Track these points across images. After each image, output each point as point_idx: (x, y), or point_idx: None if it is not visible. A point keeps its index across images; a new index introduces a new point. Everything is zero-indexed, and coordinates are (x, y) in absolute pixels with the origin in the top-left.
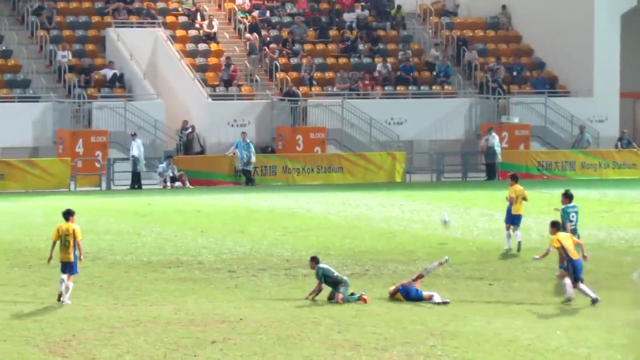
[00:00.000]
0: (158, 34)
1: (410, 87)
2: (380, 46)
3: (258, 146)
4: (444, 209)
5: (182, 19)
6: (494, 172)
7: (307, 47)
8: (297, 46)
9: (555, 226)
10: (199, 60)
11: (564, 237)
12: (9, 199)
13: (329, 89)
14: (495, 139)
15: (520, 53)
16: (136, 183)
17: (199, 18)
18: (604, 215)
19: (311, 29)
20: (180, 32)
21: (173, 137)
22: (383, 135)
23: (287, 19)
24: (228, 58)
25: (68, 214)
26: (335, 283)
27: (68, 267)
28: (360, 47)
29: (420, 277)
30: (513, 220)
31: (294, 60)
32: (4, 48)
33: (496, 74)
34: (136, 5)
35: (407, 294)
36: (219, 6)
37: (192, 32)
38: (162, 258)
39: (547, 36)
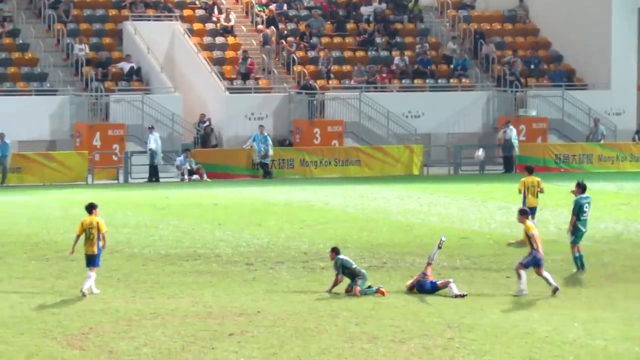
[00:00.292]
0: (175, 27)
1: (427, 80)
2: (398, 39)
3: (275, 139)
4: (461, 202)
5: (200, 12)
6: (512, 165)
7: (325, 40)
8: (314, 39)
9: (524, 214)
10: (216, 54)
11: (534, 226)
12: (26, 192)
13: (347, 82)
14: (512, 132)
15: (537, 46)
16: (153, 176)
17: (216, 11)
18: (621, 208)
19: (328, 22)
20: (197, 26)
21: (190, 130)
22: (400, 129)
23: (304, 12)
24: (245, 51)
25: (91, 208)
26: (352, 275)
27: (92, 260)
28: (378, 40)
29: (428, 264)
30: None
31: (311, 54)
32: (21, 42)
33: (513, 67)
34: None
35: (421, 287)
36: None
37: (210, 26)
38: (179, 251)
39: (565, 29)
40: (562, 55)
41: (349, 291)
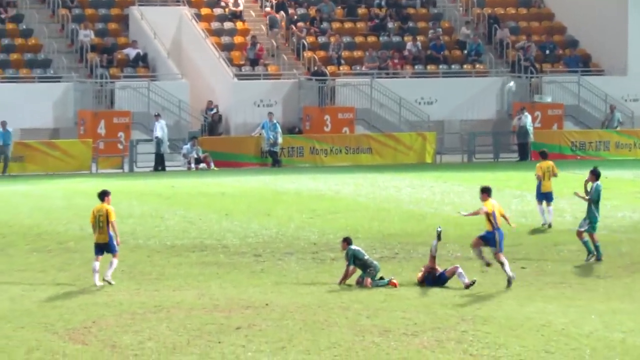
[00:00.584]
0: (182, 12)
1: (440, 66)
2: (410, 24)
3: (285, 127)
4: (475, 190)
5: None
6: (527, 152)
7: (335, 25)
8: (324, 24)
9: (486, 192)
10: (225, 39)
11: (496, 205)
12: (28, 182)
13: (358, 68)
14: (527, 119)
15: (552, 31)
16: (159, 165)
17: None
18: (638, 196)
19: (339, 7)
20: (205, 10)
21: (197, 117)
22: (413, 116)
23: None
24: (254, 37)
25: (103, 195)
26: (364, 266)
27: (105, 248)
28: (390, 25)
29: (432, 257)
30: (545, 197)
31: (321, 39)
32: (24, 27)
33: (528, 52)
34: None
35: (432, 281)
36: None
37: (218, 11)
38: (185, 242)
39: (580, 13)
40: (578, 40)
41: (360, 283)
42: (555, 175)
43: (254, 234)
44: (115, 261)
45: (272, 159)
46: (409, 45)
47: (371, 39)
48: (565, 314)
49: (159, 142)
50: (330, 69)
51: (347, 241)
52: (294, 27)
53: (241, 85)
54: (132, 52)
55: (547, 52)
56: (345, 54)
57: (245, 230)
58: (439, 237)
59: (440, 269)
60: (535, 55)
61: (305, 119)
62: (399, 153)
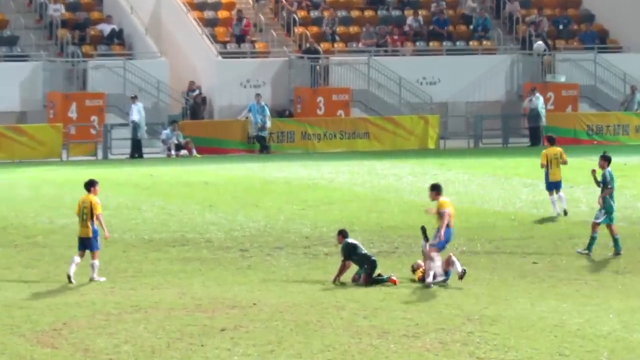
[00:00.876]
0: None
1: (444, 43)
2: None
3: (274, 109)
4: (482, 179)
5: None
6: (538, 137)
7: None
8: None
9: (436, 189)
10: (208, 14)
11: (450, 203)
12: None
13: (354, 45)
14: (539, 100)
15: (566, 4)
16: (136, 152)
17: None
18: None
19: None
20: None
21: (178, 99)
22: (414, 97)
23: None
24: (240, 11)
25: (90, 185)
26: (361, 262)
27: (87, 244)
28: None
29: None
30: (555, 186)
31: (314, 14)
32: None
33: (540, 27)
34: None
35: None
36: None
37: None
38: (165, 236)
39: None
40: (594, 15)
41: (357, 280)
42: (564, 162)
43: (240, 227)
44: (95, 262)
45: (259, 145)
46: (409, 20)
47: (368, 13)
48: (580, 313)
49: (135, 126)
50: (323, 46)
51: (342, 234)
52: (283, 1)
53: (226, 64)
54: (106, 28)
55: (561, 27)
56: (340, 29)
57: (231, 223)
58: (425, 236)
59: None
60: (547, 31)
61: (296, 101)
62: (398, 138)
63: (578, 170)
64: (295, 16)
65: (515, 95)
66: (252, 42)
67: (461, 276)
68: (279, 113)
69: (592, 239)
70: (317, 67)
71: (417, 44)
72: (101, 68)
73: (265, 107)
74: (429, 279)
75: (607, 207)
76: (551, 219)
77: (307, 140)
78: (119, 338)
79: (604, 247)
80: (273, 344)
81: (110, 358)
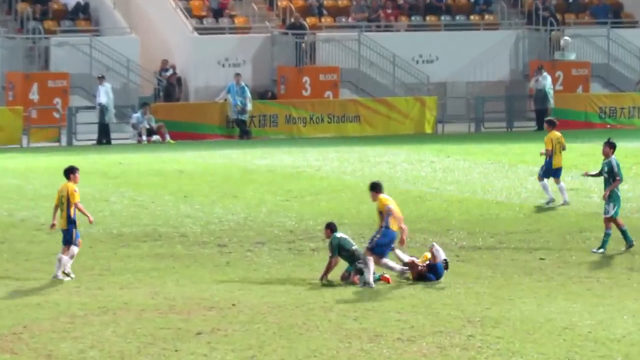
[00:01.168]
0: None
1: (442, 18)
2: None
3: (255, 90)
4: (484, 166)
5: None
6: None
7: None
8: None
9: (375, 189)
10: None
11: (392, 201)
12: None
13: (343, 20)
14: (547, 80)
15: None
16: (104, 137)
17: None
18: None
19: None
20: None
21: (150, 80)
22: (409, 77)
23: None
24: None
25: (69, 172)
26: (351, 258)
27: (69, 236)
28: None
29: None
30: (555, 173)
31: None
32: None
33: (547, 0)
34: None
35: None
36: None
37: None
38: (135, 230)
39: None
40: None
41: (346, 278)
42: (564, 148)
43: (217, 220)
44: (64, 258)
45: (239, 130)
46: None
47: None
48: (592, 315)
49: (103, 109)
50: (309, 20)
51: (330, 228)
52: None
53: (202, 41)
54: (70, 2)
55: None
56: (327, 2)
57: (208, 216)
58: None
59: (419, 261)
60: (556, 4)
61: (280, 81)
62: (392, 122)
63: (590, 156)
64: None
65: (521, 74)
66: (231, 16)
67: (445, 267)
68: (261, 94)
69: (607, 235)
70: (303, 44)
71: (413, 18)
72: (65, 45)
73: (246, 88)
74: (369, 278)
75: (614, 199)
76: (560, 211)
77: (291, 124)
78: (84, 343)
79: (618, 241)
80: (254, 349)
81: None
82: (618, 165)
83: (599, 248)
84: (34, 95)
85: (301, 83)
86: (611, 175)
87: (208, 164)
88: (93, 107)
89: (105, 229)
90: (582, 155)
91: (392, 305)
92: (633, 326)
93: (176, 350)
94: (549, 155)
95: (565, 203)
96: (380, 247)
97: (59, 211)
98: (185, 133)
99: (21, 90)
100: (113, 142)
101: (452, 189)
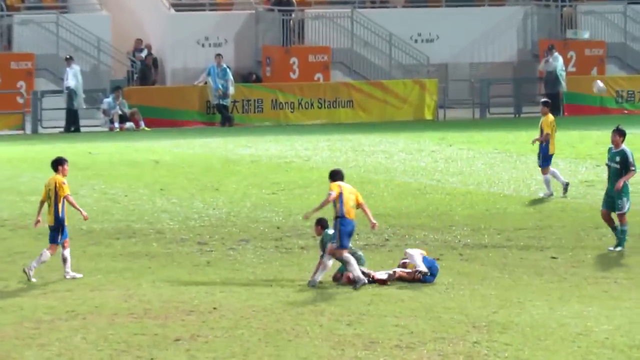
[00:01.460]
0: None
1: None
2: None
3: (238, 73)
4: (490, 156)
5: None
6: (558, 105)
7: None
8: None
9: (330, 176)
10: None
11: (347, 189)
12: None
13: None
14: (558, 62)
15: None
16: (72, 124)
17: None
18: None
19: None
20: None
21: (123, 61)
22: (407, 57)
23: None
24: None
25: (57, 163)
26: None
27: (55, 233)
28: None
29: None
30: (551, 160)
31: None
32: None
33: None
34: None
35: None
36: None
37: None
38: (107, 226)
39: None
40: None
41: (339, 279)
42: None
43: (197, 216)
44: (48, 254)
45: (221, 116)
46: None
47: None
48: (609, 319)
49: (71, 94)
50: None
51: (321, 224)
52: None
53: (180, 19)
54: None
55: None
56: None
57: (186, 211)
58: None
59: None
60: None
61: (265, 62)
62: (389, 107)
63: (606, 145)
64: None
65: (530, 55)
66: None
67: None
68: (244, 77)
69: (623, 232)
70: (290, 21)
71: None
72: (30, 24)
73: (228, 70)
74: (317, 276)
75: (626, 192)
76: (575, 206)
77: (278, 110)
78: (51, 350)
79: (637, 238)
80: (237, 357)
81: None
82: (632, 155)
83: (616, 246)
84: None
85: (288, 65)
86: (624, 166)
87: (186, 153)
88: (60, 91)
89: (73, 225)
90: (597, 144)
91: (389, 308)
92: None
93: (152, 359)
94: (546, 141)
95: (547, 195)
96: (343, 237)
97: (45, 207)
98: (162, 120)
99: None
100: (82, 129)
101: (455, 181)
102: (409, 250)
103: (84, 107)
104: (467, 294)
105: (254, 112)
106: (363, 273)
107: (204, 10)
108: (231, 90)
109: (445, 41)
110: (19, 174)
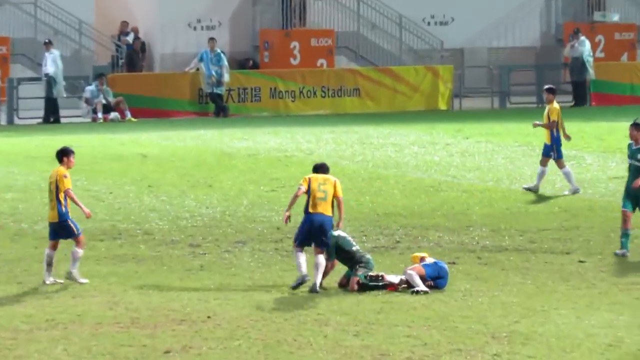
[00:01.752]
0: None
1: None
2: None
3: (233, 58)
4: (510, 149)
5: None
6: (584, 94)
7: None
8: None
9: (319, 170)
10: None
11: (318, 179)
12: None
13: None
14: (584, 47)
15: None
16: (52, 114)
17: None
18: None
19: None
20: None
21: (107, 46)
22: (420, 42)
23: None
24: None
25: (62, 154)
26: (352, 261)
27: (59, 231)
28: None
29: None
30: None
31: None
32: None
33: None
34: None
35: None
36: None
37: None
38: (90, 226)
39: None
40: None
41: (345, 285)
42: None
43: (189, 215)
44: (79, 251)
45: (215, 106)
46: None
47: None
48: None
49: (50, 81)
50: None
51: None
52: None
53: (169, 0)
54: None
55: None
56: None
57: (177, 210)
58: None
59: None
60: None
61: (263, 47)
62: (399, 96)
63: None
64: None
65: (553, 39)
66: None
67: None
68: (240, 63)
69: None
70: (291, 2)
71: None
72: (5, 5)
73: (222, 55)
74: (317, 279)
75: None
76: (603, 204)
77: (277, 99)
78: None
79: None
80: None
81: None
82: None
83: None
84: None
85: (289, 49)
86: None
87: (177, 146)
88: (38, 79)
89: None
90: (627, 137)
91: (400, 317)
92: None
93: None
94: (556, 129)
95: (534, 187)
96: (299, 233)
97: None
98: (150, 109)
99: None
100: (63, 120)
101: (472, 177)
102: (409, 270)
103: (65, 95)
104: (486, 301)
105: (251, 101)
106: (373, 276)
107: None
108: (226, 77)
109: (461, 24)
110: None
